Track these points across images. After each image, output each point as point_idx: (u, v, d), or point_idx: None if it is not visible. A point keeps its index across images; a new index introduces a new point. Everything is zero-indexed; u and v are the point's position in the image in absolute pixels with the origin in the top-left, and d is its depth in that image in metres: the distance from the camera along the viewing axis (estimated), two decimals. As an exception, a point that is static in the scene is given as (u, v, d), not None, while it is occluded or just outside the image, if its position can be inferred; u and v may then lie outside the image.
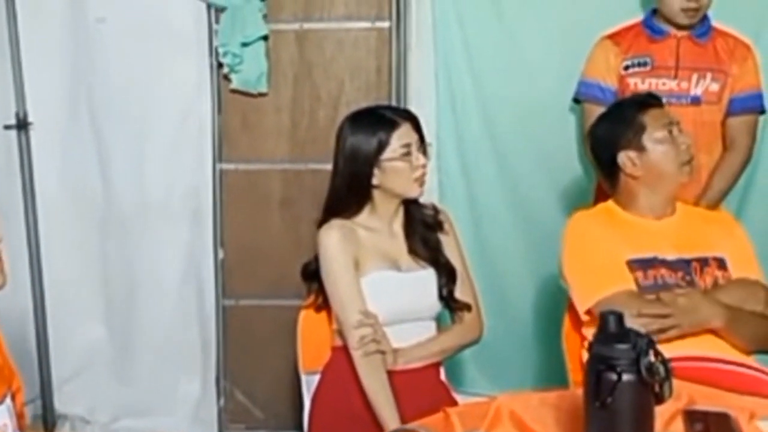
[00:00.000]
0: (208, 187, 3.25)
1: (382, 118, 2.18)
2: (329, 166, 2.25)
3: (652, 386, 1.39)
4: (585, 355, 1.46)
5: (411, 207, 2.25)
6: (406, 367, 2.16)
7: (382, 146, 2.14)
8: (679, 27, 2.79)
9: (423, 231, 2.25)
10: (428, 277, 2.22)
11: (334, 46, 3.19)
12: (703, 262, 2.17)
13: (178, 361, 3.36)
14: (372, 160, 2.15)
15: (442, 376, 2.28)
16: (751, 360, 2.10)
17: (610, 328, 1.42)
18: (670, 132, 2.20)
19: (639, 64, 2.82)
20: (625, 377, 1.36)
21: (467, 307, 2.25)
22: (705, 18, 2.81)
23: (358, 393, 2.12)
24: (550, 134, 3.12)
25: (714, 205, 2.72)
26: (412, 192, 2.20)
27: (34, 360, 3.31)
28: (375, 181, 2.17)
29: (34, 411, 3.31)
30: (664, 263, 2.16)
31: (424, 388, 2.16)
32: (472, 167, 3.21)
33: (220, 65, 3.15)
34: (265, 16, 3.12)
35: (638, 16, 2.91)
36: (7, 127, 3.22)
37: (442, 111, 3.18)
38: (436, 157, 3.07)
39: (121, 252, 3.33)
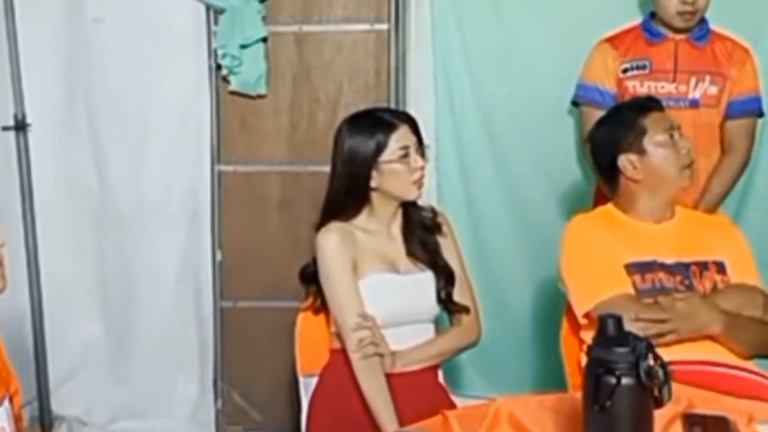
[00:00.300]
0: (206, 188, 3.25)
1: (380, 121, 2.18)
2: (328, 168, 2.24)
3: (651, 390, 1.39)
4: (584, 359, 1.45)
5: (409, 209, 2.25)
6: (405, 370, 2.16)
7: (380, 148, 2.14)
8: (677, 30, 2.80)
9: (421, 233, 2.25)
10: (426, 279, 2.22)
11: (332, 48, 3.19)
12: (702, 266, 2.17)
13: (176, 362, 3.36)
14: (370, 162, 2.15)
15: (440, 378, 2.28)
16: (749, 364, 2.09)
17: (609, 331, 1.41)
18: (671, 136, 2.19)
19: (637, 68, 2.82)
20: (624, 381, 1.36)
21: (465, 310, 2.25)
22: (703, 21, 2.81)
23: (356, 396, 2.11)
24: (549, 136, 3.12)
25: (712, 209, 2.72)
26: (410, 194, 2.19)
27: (31, 361, 3.30)
28: (373, 183, 2.16)
29: (31, 413, 3.30)
30: (662, 267, 2.15)
31: (423, 390, 2.16)
32: (470, 169, 3.21)
33: (218, 67, 3.15)
34: (264, 18, 3.11)
35: (637, 19, 2.91)
36: (5, 129, 3.22)
37: (440, 113, 3.18)
38: (435, 159, 3.07)
39: (119, 253, 3.33)
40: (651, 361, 1.38)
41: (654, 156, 2.18)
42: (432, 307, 2.22)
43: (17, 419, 1.72)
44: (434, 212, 2.31)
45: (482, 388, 3.14)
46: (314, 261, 2.20)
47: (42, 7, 3.20)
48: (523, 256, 3.20)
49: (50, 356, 3.35)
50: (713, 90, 2.78)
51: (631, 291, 2.11)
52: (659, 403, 1.41)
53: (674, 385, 1.43)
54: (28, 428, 3.16)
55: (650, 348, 1.39)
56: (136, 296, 3.34)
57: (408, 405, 2.07)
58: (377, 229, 2.21)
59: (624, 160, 2.20)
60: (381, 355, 2.12)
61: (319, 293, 2.22)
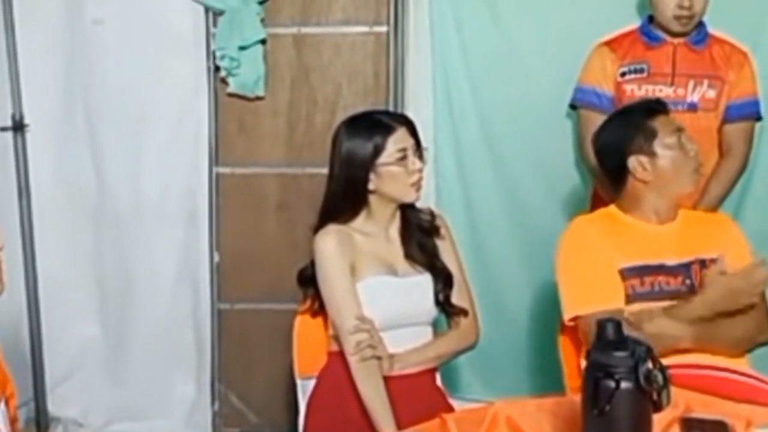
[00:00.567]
0: (204, 190, 3.25)
1: (378, 123, 2.18)
2: (326, 170, 2.24)
3: (650, 394, 1.39)
4: (583, 363, 1.45)
5: (408, 212, 2.25)
6: (402, 373, 2.15)
7: (378, 151, 2.14)
8: (675, 34, 2.80)
9: (420, 236, 2.25)
10: (425, 282, 2.21)
11: (331, 50, 3.19)
12: (701, 263, 2.18)
13: (173, 364, 3.35)
14: (368, 164, 2.14)
15: (438, 381, 2.28)
16: (747, 368, 2.10)
17: (609, 335, 1.41)
18: (679, 138, 2.21)
19: (635, 71, 2.82)
20: (624, 385, 1.36)
21: (463, 313, 2.24)
22: (701, 25, 2.81)
23: (354, 398, 2.11)
24: (547, 139, 3.12)
25: (711, 211, 2.72)
26: (408, 197, 2.19)
27: (27, 362, 3.29)
28: (371, 185, 2.16)
29: (27, 414, 3.30)
30: (664, 269, 2.16)
31: (420, 393, 2.16)
32: (468, 172, 3.21)
33: (217, 68, 3.15)
34: (262, 20, 3.11)
35: (635, 23, 2.91)
36: (3, 129, 3.21)
37: (439, 115, 3.18)
38: (433, 161, 3.07)
39: (116, 254, 3.33)
40: (650, 365, 1.38)
41: (663, 158, 2.19)
42: (430, 309, 2.22)
43: (13, 421, 1.72)
44: (432, 215, 2.31)
45: (480, 391, 3.14)
46: (312, 263, 2.20)
47: (41, 8, 3.20)
48: (521, 258, 3.19)
49: (47, 357, 3.34)
50: (711, 94, 2.79)
51: (621, 303, 2.11)
52: (658, 407, 1.41)
53: (673, 389, 1.43)
54: (24, 430, 3.16)
55: (649, 352, 1.39)
56: (134, 297, 3.33)
57: (406, 408, 2.07)
58: (375, 231, 2.21)
59: (634, 162, 2.20)
60: (379, 358, 2.12)
61: (317, 296, 2.22)
